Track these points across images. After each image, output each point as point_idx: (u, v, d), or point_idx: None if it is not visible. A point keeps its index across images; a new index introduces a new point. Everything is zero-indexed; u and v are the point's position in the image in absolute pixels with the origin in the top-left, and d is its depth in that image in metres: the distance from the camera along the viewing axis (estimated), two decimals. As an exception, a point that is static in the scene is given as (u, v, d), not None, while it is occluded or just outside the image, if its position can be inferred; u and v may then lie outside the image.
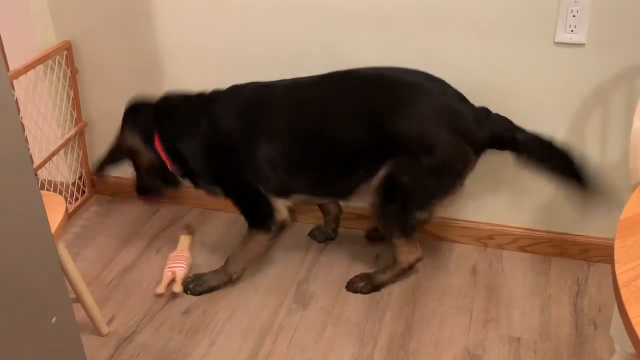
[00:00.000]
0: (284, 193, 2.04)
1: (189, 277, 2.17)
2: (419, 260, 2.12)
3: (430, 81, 1.94)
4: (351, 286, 2.15)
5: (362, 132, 1.90)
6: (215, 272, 2.17)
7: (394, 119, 1.88)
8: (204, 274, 2.17)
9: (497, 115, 1.97)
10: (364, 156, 1.93)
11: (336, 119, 1.93)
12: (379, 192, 1.95)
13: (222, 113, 2.00)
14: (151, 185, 2.15)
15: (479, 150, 1.97)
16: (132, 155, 2.09)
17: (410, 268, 2.14)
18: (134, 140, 2.05)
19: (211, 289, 2.15)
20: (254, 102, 2.00)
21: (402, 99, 1.89)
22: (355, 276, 2.17)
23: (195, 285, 2.15)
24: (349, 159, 1.95)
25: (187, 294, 2.14)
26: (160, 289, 2.13)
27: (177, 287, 2.13)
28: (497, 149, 1.99)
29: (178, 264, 2.19)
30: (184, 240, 2.30)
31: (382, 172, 1.92)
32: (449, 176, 1.95)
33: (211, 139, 2.00)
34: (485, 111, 1.96)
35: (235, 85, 2.06)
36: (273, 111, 1.97)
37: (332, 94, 1.95)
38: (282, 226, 2.09)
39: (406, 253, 2.09)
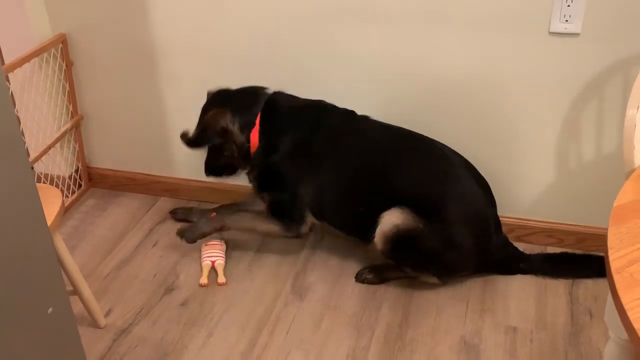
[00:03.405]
0: (319, 216, 2.17)
1: (185, 226, 2.26)
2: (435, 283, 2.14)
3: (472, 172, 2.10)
4: (359, 277, 2.17)
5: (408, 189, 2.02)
6: (209, 220, 2.23)
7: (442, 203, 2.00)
8: (198, 222, 2.24)
9: (512, 246, 2.17)
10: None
11: (393, 173, 2.04)
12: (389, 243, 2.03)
13: (320, 127, 2.13)
14: (221, 166, 2.24)
15: (481, 268, 2.13)
16: (222, 136, 2.13)
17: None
18: (231, 124, 2.12)
19: (203, 235, 2.22)
20: (344, 129, 2.13)
21: (449, 181, 2.04)
22: (364, 267, 2.18)
23: (190, 233, 2.21)
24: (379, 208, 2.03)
25: (182, 240, 2.22)
26: (204, 280, 2.14)
27: (221, 278, 2.16)
28: (500, 274, 2.17)
29: (215, 254, 2.22)
30: (213, 249, 2.28)
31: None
32: (443, 268, 2.08)
33: (301, 143, 2.12)
34: (505, 239, 2.16)
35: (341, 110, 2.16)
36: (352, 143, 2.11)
37: (397, 151, 2.08)
38: (299, 236, 2.19)
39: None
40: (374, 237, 2.02)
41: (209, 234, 2.22)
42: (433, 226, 1.96)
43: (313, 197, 2.13)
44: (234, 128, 2.12)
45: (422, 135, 2.11)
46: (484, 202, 2.07)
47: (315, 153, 2.11)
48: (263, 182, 2.20)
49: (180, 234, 2.24)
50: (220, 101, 2.16)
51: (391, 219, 1.98)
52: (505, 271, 2.16)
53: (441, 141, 2.13)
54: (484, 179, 2.11)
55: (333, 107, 2.15)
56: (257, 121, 2.12)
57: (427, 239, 1.97)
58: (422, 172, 2.04)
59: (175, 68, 2.36)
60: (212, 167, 2.24)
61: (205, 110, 2.18)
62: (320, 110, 2.15)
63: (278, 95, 2.17)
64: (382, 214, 1.99)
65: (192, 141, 2.17)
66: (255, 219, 2.22)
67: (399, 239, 1.97)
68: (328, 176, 2.10)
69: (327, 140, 2.11)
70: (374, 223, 2.01)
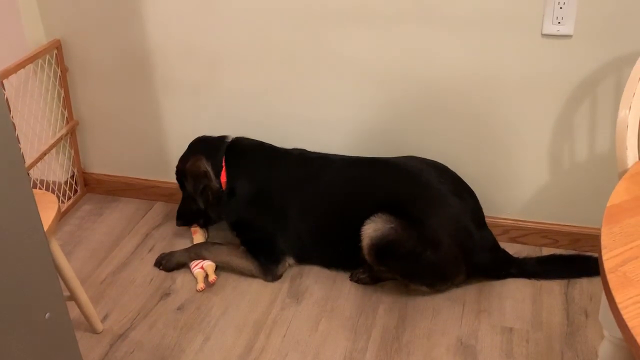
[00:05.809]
0: (299, 258, 2.24)
1: (163, 253, 2.30)
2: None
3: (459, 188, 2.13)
4: (353, 277, 2.18)
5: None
6: (186, 250, 2.27)
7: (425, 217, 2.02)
8: (176, 251, 2.29)
9: (502, 250, 2.15)
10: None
11: (361, 194, 2.12)
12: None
13: (282, 172, 2.23)
14: (194, 214, 2.34)
15: (469, 270, 2.09)
16: (204, 178, 2.23)
17: None
18: (208, 167, 2.23)
19: (179, 265, 2.26)
20: (306, 170, 2.22)
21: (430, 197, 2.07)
22: (358, 268, 2.18)
23: (166, 261, 2.27)
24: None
25: (160, 269, 2.26)
26: (200, 285, 2.16)
27: (211, 277, 2.18)
28: (491, 279, 2.15)
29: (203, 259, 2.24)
30: (199, 236, 2.36)
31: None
32: (434, 274, 2.07)
33: (258, 191, 2.23)
34: (494, 243, 2.13)
35: (302, 150, 2.27)
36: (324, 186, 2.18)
37: (369, 179, 2.16)
38: (274, 279, 2.20)
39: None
40: (365, 255, 2.05)
41: (185, 263, 2.25)
42: (406, 225, 1.97)
43: (291, 244, 2.19)
44: (210, 171, 2.22)
45: (382, 157, 2.18)
46: (455, 201, 2.07)
47: (277, 203, 2.18)
48: (235, 226, 2.28)
49: (158, 263, 2.28)
50: (195, 150, 2.29)
51: (366, 231, 2.02)
52: (495, 276, 2.15)
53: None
54: (460, 181, 2.13)
55: (284, 152, 2.25)
56: (224, 164, 2.23)
57: (403, 240, 1.98)
58: (388, 184, 2.10)
59: (170, 72, 2.37)
60: (185, 216, 2.36)
61: (183, 159, 2.30)
62: (271, 157, 2.24)
63: (238, 140, 2.28)
64: (360, 232, 2.03)
65: (189, 193, 2.27)
66: (231, 253, 2.23)
67: (378, 245, 2.00)
68: (299, 223, 2.17)
69: (284, 189, 2.19)
70: (359, 242, 2.04)
